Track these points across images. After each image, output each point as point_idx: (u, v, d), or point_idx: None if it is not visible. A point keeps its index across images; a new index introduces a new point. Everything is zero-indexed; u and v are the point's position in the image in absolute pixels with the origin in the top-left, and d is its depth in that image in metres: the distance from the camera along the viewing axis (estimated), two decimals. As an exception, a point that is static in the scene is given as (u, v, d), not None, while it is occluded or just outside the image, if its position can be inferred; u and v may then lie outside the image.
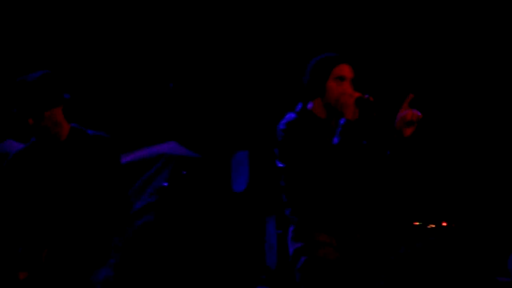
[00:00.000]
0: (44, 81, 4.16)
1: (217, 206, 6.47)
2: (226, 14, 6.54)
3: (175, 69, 6.58)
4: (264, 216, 6.54)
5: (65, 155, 4.24)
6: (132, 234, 4.54)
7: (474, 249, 5.99)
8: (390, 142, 4.17)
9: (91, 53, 6.42)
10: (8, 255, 4.11)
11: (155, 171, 5.95)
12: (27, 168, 4.21)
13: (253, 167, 6.58)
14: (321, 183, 4.13)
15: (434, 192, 6.45)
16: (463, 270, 5.87)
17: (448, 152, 6.49)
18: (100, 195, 4.25)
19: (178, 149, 6.28)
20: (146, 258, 5.30)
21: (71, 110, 4.27)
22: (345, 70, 4.21)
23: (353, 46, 6.29)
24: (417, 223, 6.08)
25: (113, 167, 4.29)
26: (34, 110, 4.13)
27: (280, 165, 4.22)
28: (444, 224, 6.07)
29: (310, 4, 6.48)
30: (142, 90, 6.57)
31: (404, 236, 5.99)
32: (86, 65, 6.39)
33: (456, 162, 6.46)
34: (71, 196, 4.20)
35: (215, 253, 6.31)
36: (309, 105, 4.27)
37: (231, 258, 6.43)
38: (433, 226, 6.06)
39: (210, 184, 6.49)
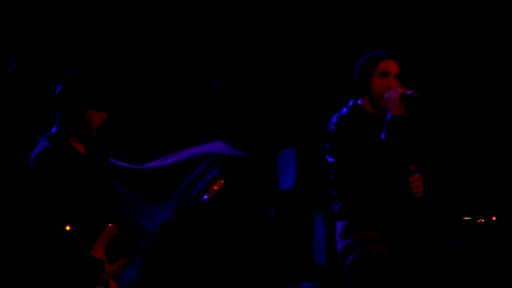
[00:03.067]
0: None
1: (265, 203, 6.47)
2: (271, 14, 6.54)
3: (220, 68, 6.59)
4: (312, 213, 6.52)
5: (86, 160, 4.23)
6: (154, 234, 4.56)
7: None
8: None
9: (138, 53, 6.45)
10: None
11: (201, 172, 5.95)
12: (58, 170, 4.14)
13: (300, 165, 6.57)
14: (371, 178, 4.12)
15: (485, 186, 6.39)
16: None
17: (497, 145, 6.42)
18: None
19: (225, 148, 6.28)
20: (176, 257, 5.31)
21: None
22: (390, 65, 4.21)
23: (403, 42, 6.26)
24: (467, 218, 6.03)
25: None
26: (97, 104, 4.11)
27: (331, 159, 4.22)
28: (494, 218, 6.01)
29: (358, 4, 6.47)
30: (188, 89, 6.59)
31: (452, 230, 5.94)
32: (133, 64, 6.42)
33: (505, 154, 6.39)
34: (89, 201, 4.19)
35: (263, 250, 6.31)
36: (360, 101, 4.27)
37: (279, 254, 6.43)
38: (483, 220, 6.00)
39: (258, 182, 6.49)
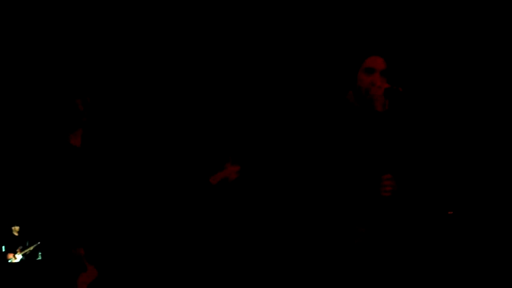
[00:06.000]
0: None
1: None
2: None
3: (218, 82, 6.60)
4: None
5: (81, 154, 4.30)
6: None
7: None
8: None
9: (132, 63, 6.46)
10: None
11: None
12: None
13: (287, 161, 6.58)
14: (350, 172, 4.17)
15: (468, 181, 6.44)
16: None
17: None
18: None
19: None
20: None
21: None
22: (376, 62, 4.24)
23: (388, 37, 6.30)
24: (451, 212, 6.08)
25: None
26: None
27: (317, 154, 4.27)
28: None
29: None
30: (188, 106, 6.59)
31: (437, 226, 5.99)
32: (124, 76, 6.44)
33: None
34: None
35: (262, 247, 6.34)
36: (346, 95, 4.33)
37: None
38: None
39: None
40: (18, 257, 4.13)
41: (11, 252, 4.13)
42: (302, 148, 4.29)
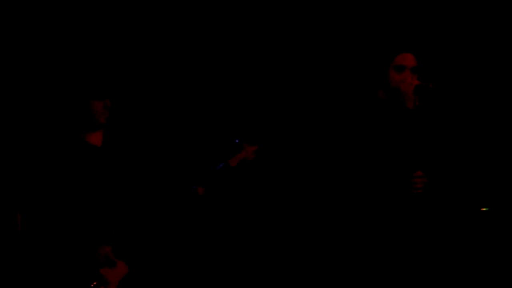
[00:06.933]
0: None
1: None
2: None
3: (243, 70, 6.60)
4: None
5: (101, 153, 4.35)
6: None
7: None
8: None
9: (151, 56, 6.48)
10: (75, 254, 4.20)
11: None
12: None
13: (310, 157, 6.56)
14: (381, 169, 4.18)
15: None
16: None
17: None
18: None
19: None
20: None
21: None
22: (406, 59, 4.25)
23: (418, 34, 6.29)
24: (484, 209, 6.05)
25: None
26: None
27: (345, 150, 4.28)
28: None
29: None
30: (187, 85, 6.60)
31: (468, 223, 5.97)
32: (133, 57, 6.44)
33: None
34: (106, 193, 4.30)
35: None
36: (376, 93, 4.34)
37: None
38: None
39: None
40: None
41: None
42: (333, 145, 4.30)
